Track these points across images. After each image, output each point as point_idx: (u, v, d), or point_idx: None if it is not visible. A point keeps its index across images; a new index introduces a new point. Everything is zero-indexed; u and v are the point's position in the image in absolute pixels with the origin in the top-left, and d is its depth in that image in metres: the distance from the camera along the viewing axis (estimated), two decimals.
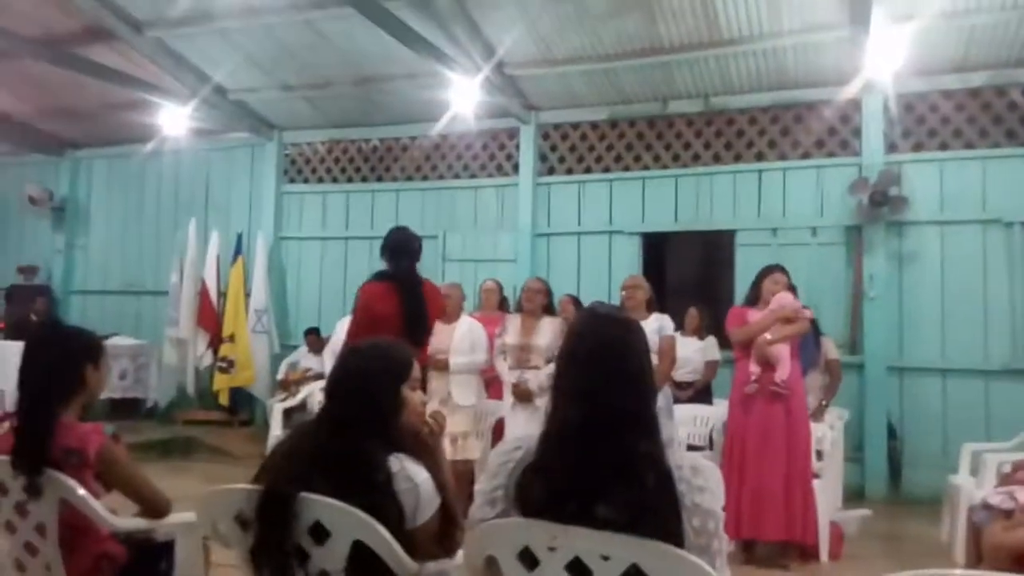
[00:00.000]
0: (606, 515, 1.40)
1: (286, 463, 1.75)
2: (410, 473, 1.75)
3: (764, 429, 4.05)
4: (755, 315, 4.22)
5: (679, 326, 6.06)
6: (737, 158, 6.60)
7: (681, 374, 5.82)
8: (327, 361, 5.76)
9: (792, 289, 4.37)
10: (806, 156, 6.40)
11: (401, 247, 3.92)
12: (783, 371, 4.09)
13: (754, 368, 4.14)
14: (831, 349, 5.43)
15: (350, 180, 8.03)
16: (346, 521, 1.67)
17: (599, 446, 1.46)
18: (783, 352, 4.10)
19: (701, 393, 5.68)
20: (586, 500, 1.42)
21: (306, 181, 8.20)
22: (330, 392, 1.85)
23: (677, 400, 5.72)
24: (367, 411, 1.78)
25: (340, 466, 1.70)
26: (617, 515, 1.40)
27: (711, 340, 5.76)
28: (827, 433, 4.62)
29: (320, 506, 1.67)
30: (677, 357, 5.81)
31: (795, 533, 3.98)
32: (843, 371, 5.48)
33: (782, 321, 4.15)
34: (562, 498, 1.44)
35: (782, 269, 4.35)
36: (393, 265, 3.91)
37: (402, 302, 3.75)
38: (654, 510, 1.42)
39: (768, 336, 4.12)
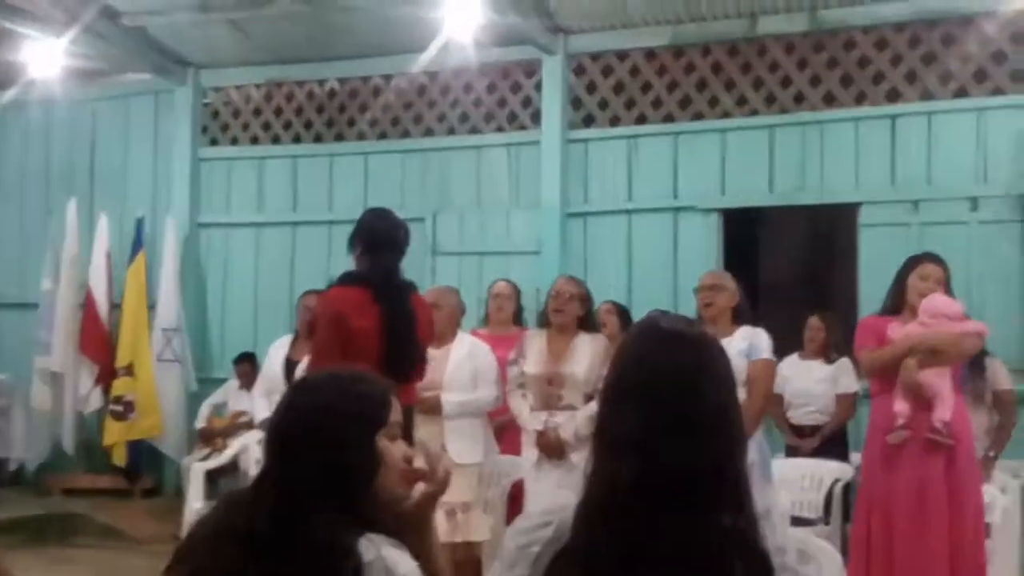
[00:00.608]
0: None
1: (211, 551, 1.76)
2: (389, 563, 1.74)
3: (916, 495, 4.04)
4: (898, 329, 4.18)
5: (794, 343, 6.05)
6: (860, 99, 6.58)
7: (802, 415, 5.86)
8: (259, 402, 5.77)
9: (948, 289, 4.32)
10: (961, 94, 6.37)
11: (380, 238, 3.95)
12: (943, 410, 4.05)
13: (900, 407, 4.12)
14: (1000, 375, 5.42)
15: (298, 139, 8.08)
16: None
17: (662, 521, 1.47)
18: (941, 383, 4.09)
19: (832, 442, 5.71)
20: None
21: (235, 142, 8.26)
22: (273, 447, 1.85)
23: (796, 452, 5.71)
24: (327, 474, 1.77)
25: (289, 556, 1.72)
26: None
27: (844, 364, 5.78)
28: (996, 498, 4.61)
29: None
30: (795, 389, 5.86)
31: None
32: (1020, 407, 5.44)
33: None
34: None
35: (936, 260, 4.33)
36: (368, 263, 3.93)
37: (383, 317, 3.78)
38: None
39: (912, 360, 4.08)
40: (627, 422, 1.55)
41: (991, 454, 5.16)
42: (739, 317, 4.61)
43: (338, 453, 1.79)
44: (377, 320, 3.76)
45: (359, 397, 1.88)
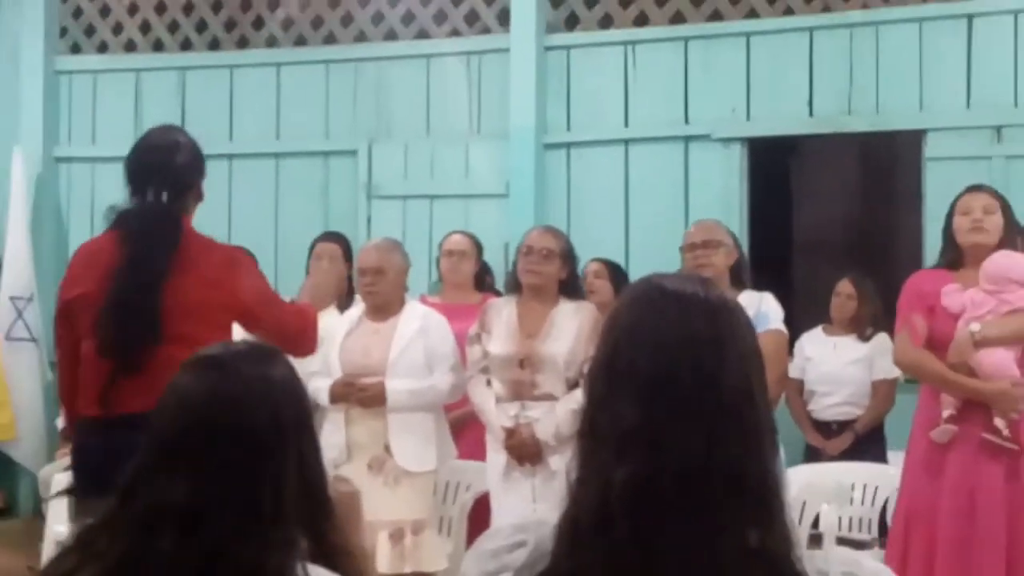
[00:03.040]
0: None
1: None
2: None
3: (967, 508, 4.10)
4: (956, 297, 4.23)
5: (821, 313, 6.10)
6: None
7: (827, 407, 5.90)
8: None
9: (1014, 234, 4.34)
10: None
11: (148, 167, 3.71)
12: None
13: (947, 399, 4.19)
14: None
15: (188, 46, 8.03)
16: None
17: (668, 538, 1.48)
18: (1004, 364, 4.14)
19: (867, 442, 5.79)
20: None
21: (103, 49, 8.21)
22: (171, 451, 1.90)
23: (817, 456, 5.78)
24: (251, 485, 1.84)
25: None
26: None
27: (882, 341, 5.78)
28: None
29: None
30: (818, 374, 5.92)
31: None
32: None
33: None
34: None
35: (983, 188, 4.38)
36: (135, 202, 3.71)
37: (111, 267, 3.56)
38: None
39: (975, 329, 4.12)
40: (622, 413, 1.54)
41: None
42: (739, 279, 4.71)
43: (269, 456, 1.86)
44: (106, 276, 3.56)
45: (285, 380, 1.96)
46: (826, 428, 5.91)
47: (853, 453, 5.68)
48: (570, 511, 1.54)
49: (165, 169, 3.68)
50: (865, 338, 5.87)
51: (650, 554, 1.48)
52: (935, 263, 4.52)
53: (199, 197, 3.80)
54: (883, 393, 5.80)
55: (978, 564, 4.05)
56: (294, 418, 1.92)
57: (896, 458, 5.61)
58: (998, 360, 4.10)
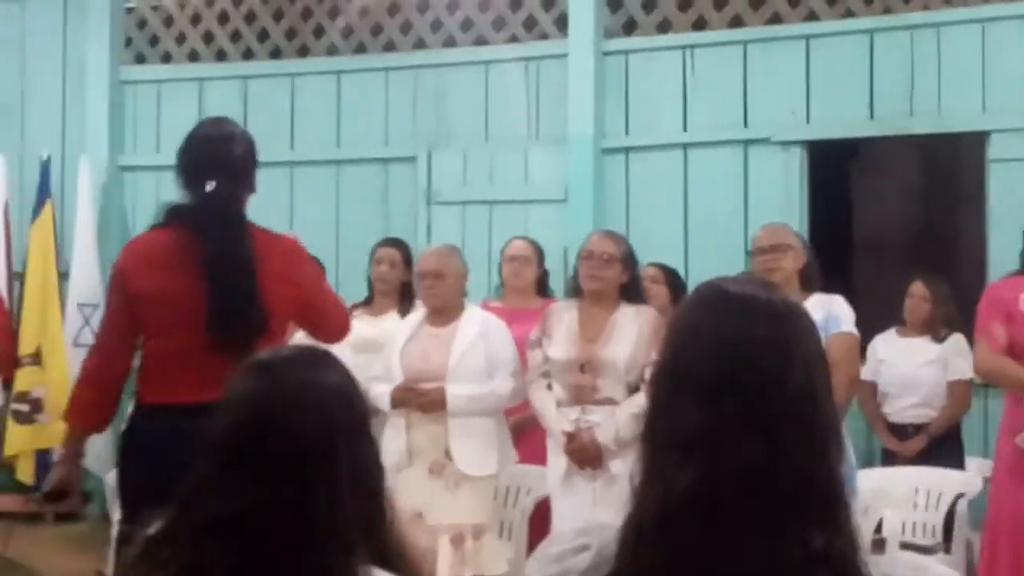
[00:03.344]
0: None
1: None
2: None
3: None
4: None
5: (882, 315, 6.04)
6: None
7: (903, 409, 5.87)
8: None
9: None
10: None
11: (206, 158, 3.67)
12: None
13: None
14: None
15: (249, 55, 8.09)
16: None
17: (732, 541, 1.48)
18: None
19: (943, 444, 5.73)
20: None
21: (168, 59, 8.28)
22: (227, 460, 1.90)
23: (894, 459, 5.74)
24: (305, 491, 1.84)
25: None
26: None
27: (957, 342, 5.78)
28: None
29: None
30: (893, 376, 5.86)
31: None
32: None
33: None
34: None
35: None
36: (192, 195, 3.67)
37: (200, 264, 3.53)
38: None
39: None
40: (684, 417, 1.54)
41: None
42: (809, 282, 4.67)
43: (342, 467, 1.87)
44: (189, 272, 3.52)
45: (350, 387, 1.96)
46: (901, 431, 5.86)
47: (928, 456, 5.63)
48: (633, 516, 1.55)
49: (224, 160, 3.65)
50: (939, 339, 5.83)
51: (712, 559, 1.47)
52: (1014, 269, 4.48)
53: (253, 189, 3.76)
54: (958, 394, 5.75)
55: None
56: (347, 422, 1.92)
57: (972, 462, 5.57)
58: None
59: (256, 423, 1.88)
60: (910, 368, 5.86)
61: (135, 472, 3.60)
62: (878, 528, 5.06)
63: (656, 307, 5.32)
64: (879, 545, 4.90)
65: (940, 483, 5.37)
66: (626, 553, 1.54)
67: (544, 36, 7.40)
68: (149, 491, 3.14)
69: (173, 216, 3.67)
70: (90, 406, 3.75)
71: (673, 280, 5.87)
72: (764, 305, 1.61)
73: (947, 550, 5.27)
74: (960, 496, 5.31)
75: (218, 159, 3.65)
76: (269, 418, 1.88)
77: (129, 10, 8.32)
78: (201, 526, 1.85)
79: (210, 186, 3.60)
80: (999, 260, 6.12)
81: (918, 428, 5.79)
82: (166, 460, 2.98)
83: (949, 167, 7.99)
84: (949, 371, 5.72)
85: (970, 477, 5.38)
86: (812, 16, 6.85)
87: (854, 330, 4.54)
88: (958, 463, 5.58)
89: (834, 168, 7.41)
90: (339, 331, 3.89)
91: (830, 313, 4.46)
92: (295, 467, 1.84)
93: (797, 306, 1.65)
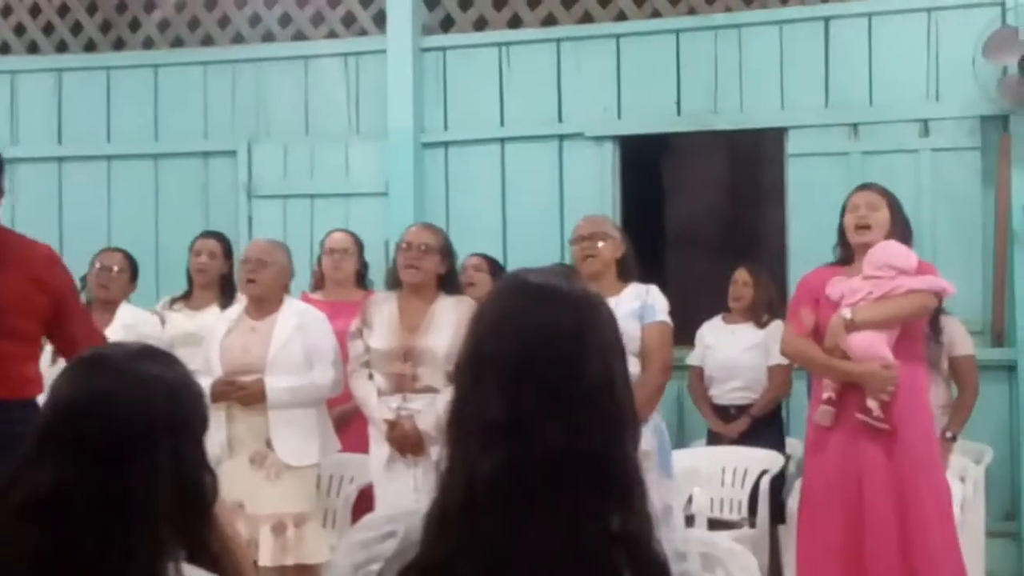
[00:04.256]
0: None
1: None
2: None
3: (854, 485, 4.19)
4: (838, 286, 4.32)
5: (710, 303, 6.17)
6: None
7: (726, 392, 5.97)
8: None
9: (903, 228, 4.39)
10: None
11: None
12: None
13: (828, 383, 4.29)
14: (960, 338, 5.59)
15: (63, 48, 7.90)
16: None
17: (532, 524, 1.49)
18: (872, 346, 4.23)
19: (766, 425, 5.86)
20: None
21: None
22: (46, 445, 1.87)
23: (719, 440, 5.86)
24: (119, 481, 1.82)
25: None
26: None
27: (777, 327, 5.77)
28: (955, 488, 4.74)
29: None
30: (718, 361, 5.97)
31: None
32: (981, 377, 5.66)
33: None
34: None
35: (871, 186, 4.51)
36: None
37: None
38: None
39: (847, 314, 4.22)
40: (486, 403, 1.55)
41: (948, 435, 5.29)
42: (626, 272, 4.74)
43: (162, 459, 1.85)
44: None
45: (181, 383, 1.94)
46: (725, 412, 5.95)
47: (750, 436, 5.74)
48: (438, 500, 1.55)
49: None
50: (761, 325, 5.92)
51: (515, 541, 1.48)
52: (833, 260, 4.57)
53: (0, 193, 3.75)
54: (778, 378, 5.84)
55: (872, 539, 4.13)
56: (170, 417, 1.88)
57: (791, 442, 5.74)
58: (868, 343, 4.19)
59: (75, 408, 1.85)
60: (734, 353, 5.94)
61: None
62: (687, 504, 5.18)
63: (478, 296, 5.32)
64: (689, 521, 5.02)
65: (746, 461, 5.52)
66: (430, 539, 1.54)
67: (363, 32, 7.37)
68: None
69: None
70: None
71: (496, 269, 5.89)
72: (563, 294, 1.62)
73: (752, 524, 5.42)
74: (764, 473, 5.45)
75: None
76: (89, 404, 1.85)
77: None
78: (18, 507, 1.82)
79: None
80: (798, 249, 6.34)
81: (741, 410, 5.88)
82: None
83: (752, 161, 8.18)
84: (770, 356, 5.77)
85: (773, 455, 5.52)
86: (621, 16, 6.94)
87: (668, 319, 4.61)
88: (778, 443, 5.72)
89: (645, 162, 7.51)
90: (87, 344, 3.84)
91: (646, 303, 4.54)
92: (112, 456, 1.81)
93: (596, 296, 1.67)
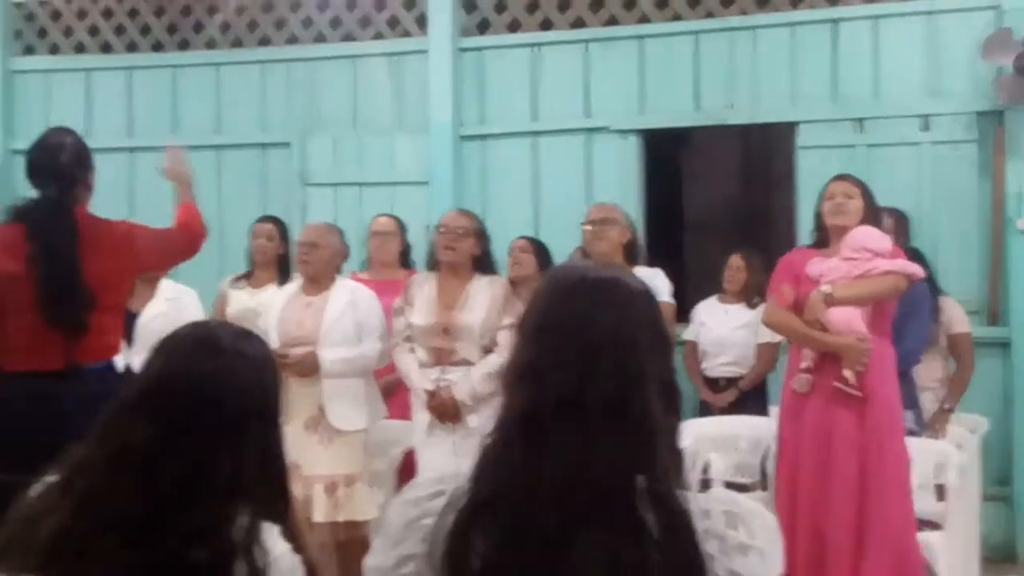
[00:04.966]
0: None
1: (67, 537, 1.79)
2: (266, 543, 1.82)
3: (824, 446, 4.23)
4: (817, 266, 4.35)
5: (715, 285, 6.17)
6: (796, 1, 6.70)
7: (717, 366, 5.99)
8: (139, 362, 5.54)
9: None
10: None
11: (38, 165, 3.91)
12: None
13: (807, 353, 4.31)
14: (957, 317, 5.57)
15: (133, 48, 7.91)
16: None
17: (551, 459, 1.51)
18: (850, 321, 4.23)
19: (751, 398, 5.87)
20: (549, 560, 1.47)
21: (55, 51, 8.07)
22: (144, 401, 1.90)
23: (708, 409, 5.86)
24: (211, 452, 1.85)
25: (182, 546, 1.77)
26: None
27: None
28: (952, 456, 4.76)
29: None
30: (710, 337, 6.00)
31: None
32: (977, 353, 5.64)
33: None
34: (513, 558, 1.48)
35: (845, 177, 4.53)
36: (34, 194, 3.94)
37: (32, 254, 3.75)
38: None
39: (827, 289, 4.23)
40: (518, 354, 1.62)
41: (946, 406, 5.32)
42: (632, 255, 4.79)
43: (249, 429, 1.89)
44: (25, 260, 3.74)
45: (265, 358, 1.98)
46: (714, 384, 5.99)
47: (738, 407, 5.78)
48: (484, 446, 1.60)
49: (52, 167, 3.87)
50: (752, 306, 5.94)
51: (536, 477, 1.50)
52: (808, 243, 4.64)
53: (88, 188, 3.97)
54: (765, 355, 5.89)
55: (836, 492, 4.18)
56: (259, 400, 1.94)
57: (774, 411, 5.72)
58: (846, 318, 4.23)
59: (181, 382, 1.90)
60: (725, 330, 5.98)
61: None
62: (705, 470, 5.17)
63: (524, 275, 5.54)
64: (706, 485, 4.99)
65: (758, 430, 5.50)
66: (476, 480, 1.57)
67: (406, 34, 7.36)
68: (10, 445, 3.45)
69: (16, 214, 3.90)
70: None
71: (539, 250, 5.91)
72: (594, 273, 1.69)
73: (763, 487, 5.39)
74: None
75: (47, 166, 3.88)
76: (194, 382, 1.89)
77: (18, 4, 8.07)
78: (111, 455, 1.85)
79: (45, 190, 3.87)
80: (807, 234, 6.25)
81: (730, 382, 5.93)
82: (22, 420, 3.58)
83: (764, 153, 8.17)
84: (759, 335, 5.81)
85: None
86: (644, 19, 6.92)
87: (671, 300, 4.71)
88: (762, 413, 5.70)
89: (666, 154, 7.51)
90: (191, 249, 4.26)
91: (651, 285, 4.50)
92: (204, 427, 1.86)
93: (624, 277, 1.71)
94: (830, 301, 4.21)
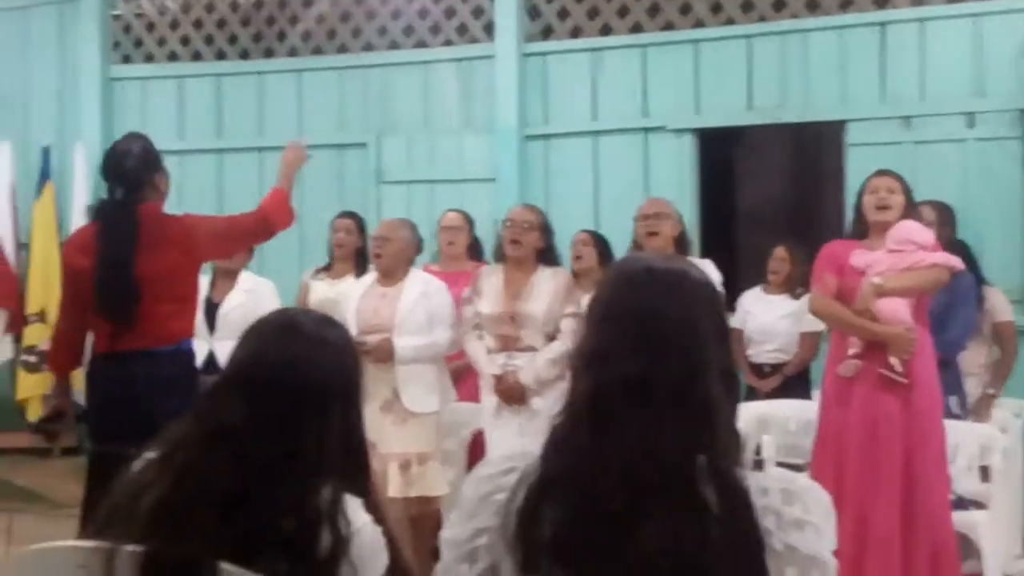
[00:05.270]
0: (651, 559, 1.47)
1: (166, 509, 1.81)
2: (349, 514, 1.84)
3: (870, 430, 4.19)
4: (862, 257, 4.32)
5: (760, 276, 6.16)
6: (846, 5, 6.64)
7: (762, 352, 5.95)
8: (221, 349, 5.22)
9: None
10: None
11: (107, 169, 4.10)
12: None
13: (854, 340, 4.26)
14: (1001, 306, 5.47)
15: (222, 56, 8.03)
16: None
17: (617, 438, 1.53)
18: (898, 311, 4.21)
19: (794, 383, 5.83)
20: (615, 533, 1.49)
21: (150, 59, 8.20)
22: (239, 383, 1.93)
23: (753, 394, 5.86)
24: (297, 430, 1.87)
25: (273, 520, 1.80)
26: (662, 559, 1.46)
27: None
28: (996, 439, 4.71)
29: None
30: (756, 325, 5.96)
31: None
32: (1020, 341, 5.55)
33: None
34: (581, 531, 1.51)
35: (887, 172, 4.45)
36: (105, 198, 4.17)
37: (96, 251, 3.98)
38: (721, 556, 1.47)
39: (877, 281, 4.19)
40: (586, 338, 1.64)
41: (990, 391, 5.25)
42: (683, 248, 4.77)
43: (330, 412, 1.91)
44: (93, 258, 3.97)
45: (344, 347, 2.00)
46: (759, 370, 5.95)
47: (782, 392, 5.72)
48: (553, 425, 1.62)
49: (119, 171, 4.03)
50: (796, 296, 5.86)
51: (603, 456, 1.52)
52: (847, 234, 4.58)
53: (155, 188, 4.07)
54: (808, 343, 5.82)
55: (882, 475, 4.14)
56: (342, 383, 1.95)
57: (817, 396, 5.71)
58: (894, 308, 4.17)
59: (269, 367, 1.92)
60: (770, 319, 5.93)
61: (90, 405, 4.10)
62: (757, 451, 5.18)
63: (586, 267, 5.53)
64: (759, 465, 5.01)
65: (807, 413, 5.46)
66: (545, 459, 1.59)
67: (474, 40, 7.40)
68: (99, 419, 3.82)
69: (93, 213, 4.23)
70: (60, 356, 4.22)
71: (600, 244, 5.89)
72: (661, 264, 1.70)
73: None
74: None
75: (115, 170, 4.04)
76: (281, 366, 1.91)
77: (116, 17, 8.21)
78: (207, 433, 1.88)
79: (113, 192, 4.06)
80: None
81: (774, 368, 5.89)
82: (104, 396, 3.89)
83: (814, 150, 8.09)
84: (802, 323, 5.73)
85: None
86: (699, 23, 6.91)
87: (720, 289, 4.65)
88: (806, 397, 5.64)
89: (720, 152, 7.47)
90: (267, 231, 4.32)
91: None
92: (291, 408, 1.88)
93: (689, 271, 1.70)
94: (880, 292, 4.15)
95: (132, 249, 3.91)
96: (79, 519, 3.83)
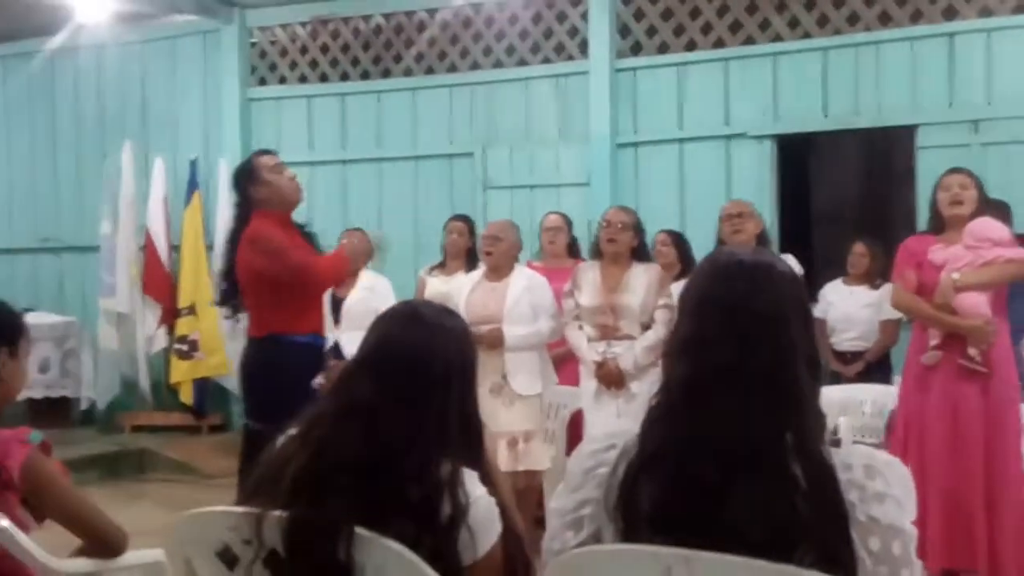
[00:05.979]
0: (743, 529, 1.46)
1: (307, 478, 1.84)
2: (467, 486, 1.85)
3: (951, 416, 4.10)
4: (940, 253, 4.18)
5: (839, 272, 6.06)
6: (915, 17, 6.48)
7: (844, 340, 5.89)
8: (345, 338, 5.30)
9: (1000, 209, 4.25)
10: (1020, 10, 6.25)
11: (232, 182, 4.41)
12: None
13: (934, 332, 4.16)
14: None
15: (345, 77, 8.13)
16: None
17: (712, 420, 1.51)
18: (978, 305, 4.08)
19: (875, 368, 5.75)
20: (709, 505, 1.48)
21: (283, 81, 8.34)
22: (368, 365, 1.95)
23: (838, 379, 5.77)
24: (422, 408, 1.88)
25: (401, 491, 1.82)
26: (753, 530, 1.45)
27: (888, 289, 5.68)
28: None
29: (386, 553, 1.75)
30: (838, 314, 5.89)
31: (1008, 570, 4.01)
32: None
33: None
34: (677, 503, 1.51)
35: (959, 170, 4.33)
36: None
37: None
38: (809, 527, 1.46)
39: (956, 276, 4.08)
40: (681, 326, 1.62)
41: None
42: (764, 244, 4.74)
43: (451, 392, 1.92)
44: None
45: (463, 330, 2.02)
46: (842, 357, 5.89)
47: (865, 377, 5.66)
48: (650, 407, 1.61)
49: (234, 183, 4.33)
50: (875, 287, 5.84)
51: (698, 434, 1.52)
52: (923, 230, 4.49)
53: (248, 196, 4.20)
54: (888, 331, 5.77)
55: (963, 456, 4.06)
56: (460, 365, 1.96)
57: (897, 379, 5.58)
58: (973, 302, 4.07)
59: (395, 351, 1.93)
60: (852, 309, 5.88)
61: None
62: (834, 432, 5.08)
63: (667, 263, 5.48)
64: (836, 444, 4.92)
65: (880, 396, 5.36)
66: (643, 437, 1.59)
67: (570, 58, 7.39)
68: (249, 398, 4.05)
69: None
70: None
71: (680, 243, 5.88)
72: (749, 256, 1.68)
73: (884, 447, 5.27)
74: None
75: (233, 183, 4.34)
76: (406, 350, 1.93)
77: (253, 44, 8.37)
78: (341, 410, 1.91)
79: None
80: (926, 225, 6.09)
81: (856, 355, 5.83)
82: (246, 376, 4.26)
83: (886, 154, 7.92)
84: (882, 312, 5.69)
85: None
86: (778, 38, 6.80)
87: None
88: (887, 382, 5.58)
89: (797, 156, 7.36)
90: (304, 275, 4.15)
91: None
92: (416, 387, 1.89)
93: (777, 263, 1.68)
94: (959, 287, 4.06)
95: (232, 248, 4.26)
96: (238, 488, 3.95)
